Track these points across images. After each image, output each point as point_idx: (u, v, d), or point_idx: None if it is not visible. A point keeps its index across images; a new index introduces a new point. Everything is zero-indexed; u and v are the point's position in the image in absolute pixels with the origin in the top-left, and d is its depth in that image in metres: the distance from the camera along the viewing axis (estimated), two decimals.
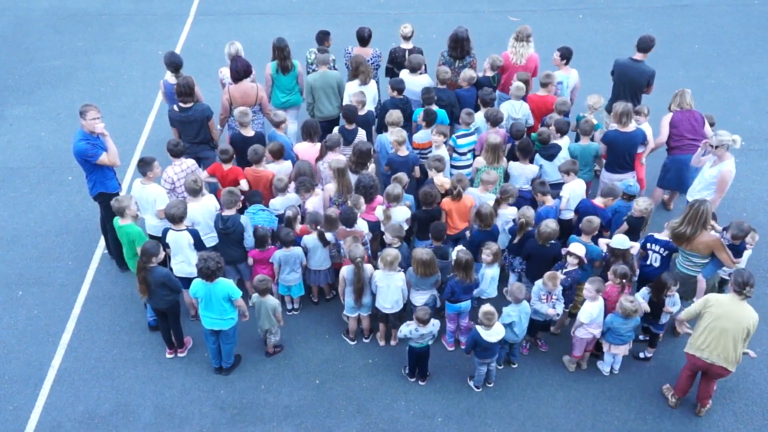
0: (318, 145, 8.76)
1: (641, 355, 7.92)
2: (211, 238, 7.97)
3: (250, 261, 8.08)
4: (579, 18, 14.27)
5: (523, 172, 8.72)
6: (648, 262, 7.77)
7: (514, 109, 9.38)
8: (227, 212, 7.75)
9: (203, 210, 7.86)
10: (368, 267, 7.52)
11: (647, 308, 7.42)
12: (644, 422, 7.31)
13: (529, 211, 7.83)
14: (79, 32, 13.77)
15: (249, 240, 7.87)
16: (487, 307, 7.04)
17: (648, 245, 7.75)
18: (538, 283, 7.47)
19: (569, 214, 8.37)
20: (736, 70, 12.73)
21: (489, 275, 7.75)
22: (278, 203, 8.28)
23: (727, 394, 7.60)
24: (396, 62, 10.14)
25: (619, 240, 7.53)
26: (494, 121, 8.87)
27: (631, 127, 8.66)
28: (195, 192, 7.79)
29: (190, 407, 7.42)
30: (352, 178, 8.27)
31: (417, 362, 7.58)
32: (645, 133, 8.86)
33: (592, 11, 14.47)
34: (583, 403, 7.49)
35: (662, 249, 7.64)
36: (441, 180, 8.32)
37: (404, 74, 9.70)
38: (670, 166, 9.09)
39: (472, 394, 7.59)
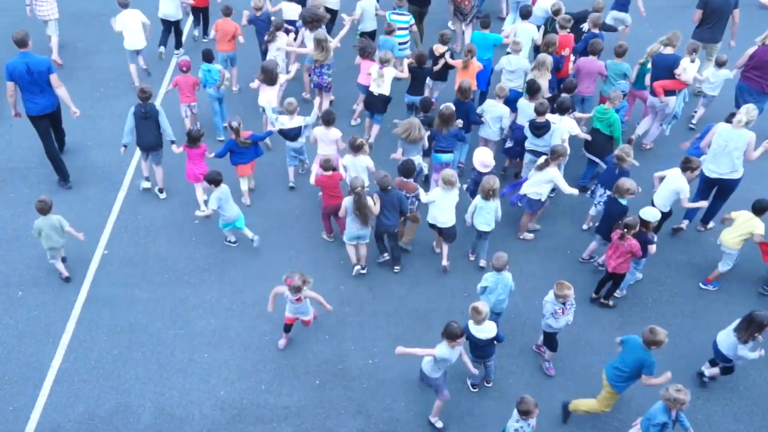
0: None
1: (705, 374, 7.77)
2: None
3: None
4: None
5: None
6: None
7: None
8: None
9: None
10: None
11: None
12: None
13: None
14: (79, 32, 13.75)
15: (167, 130, 9.44)
16: (475, 303, 6.92)
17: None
18: (550, 298, 7.24)
19: None
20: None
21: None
22: (286, 120, 9.67)
23: (727, 395, 7.60)
24: None
25: (650, 213, 7.96)
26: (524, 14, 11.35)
27: (669, 51, 10.25)
28: None
29: (190, 408, 7.42)
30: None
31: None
32: (679, 58, 10.21)
33: None
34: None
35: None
36: (437, 47, 10.67)
37: None
38: (737, 89, 10.91)
39: (472, 394, 7.59)
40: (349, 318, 8.38)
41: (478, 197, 8.51)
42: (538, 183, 8.85)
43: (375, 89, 10.36)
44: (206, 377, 7.72)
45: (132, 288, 8.66)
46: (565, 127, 9.36)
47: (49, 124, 9.73)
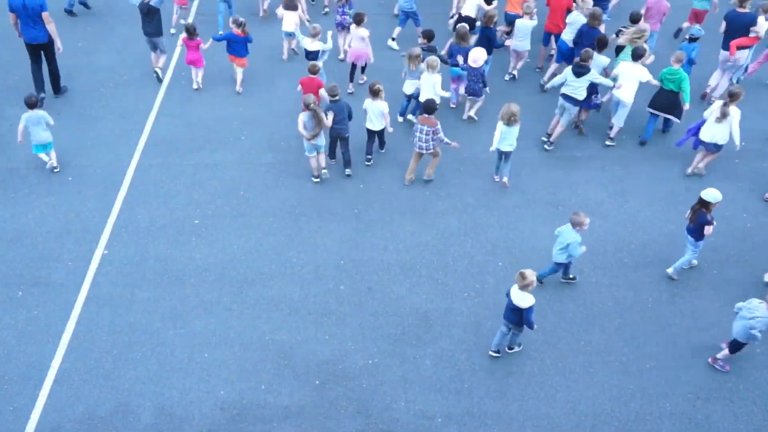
0: None
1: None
2: None
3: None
4: None
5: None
6: None
7: None
8: None
9: None
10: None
11: None
12: (644, 423, 7.32)
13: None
14: (79, 32, 13.76)
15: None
16: (524, 270, 7.22)
17: None
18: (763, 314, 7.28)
19: None
20: None
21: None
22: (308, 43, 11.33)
23: (727, 395, 7.60)
24: None
25: (711, 194, 8.21)
26: None
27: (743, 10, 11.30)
28: None
29: (190, 408, 7.42)
30: None
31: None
32: (755, 16, 11.25)
33: None
34: (583, 404, 7.49)
35: None
36: None
37: None
38: None
39: (472, 394, 7.59)
40: (349, 318, 8.39)
41: (501, 123, 9.68)
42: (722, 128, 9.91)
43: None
44: (206, 377, 7.72)
45: (132, 288, 8.66)
46: (636, 75, 10.54)
47: (38, 52, 11.60)
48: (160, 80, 12.33)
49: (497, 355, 7.92)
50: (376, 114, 10.11)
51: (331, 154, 10.64)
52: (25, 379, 7.65)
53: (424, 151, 9.90)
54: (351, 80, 12.27)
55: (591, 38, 11.23)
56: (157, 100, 11.94)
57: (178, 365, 7.82)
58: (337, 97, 9.78)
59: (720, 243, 9.40)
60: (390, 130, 10.37)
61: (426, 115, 9.67)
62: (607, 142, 11.17)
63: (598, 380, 7.73)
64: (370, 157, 10.62)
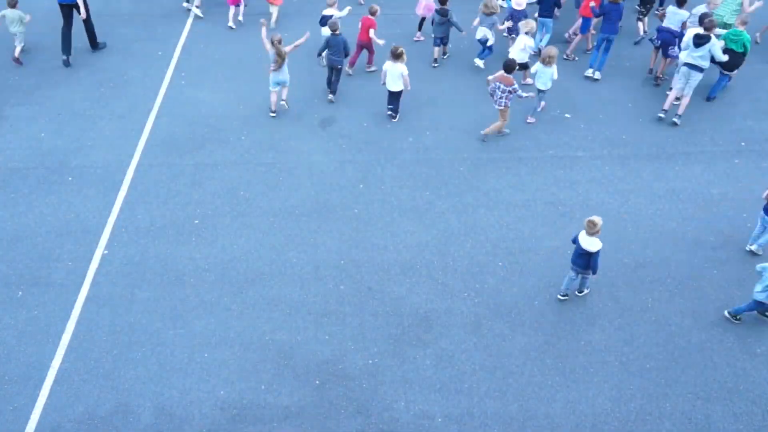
0: None
1: None
2: None
3: None
4: None
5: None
6: None
7: None
8: None
9: None
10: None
11: None
12: (644, 423, 7.32)
13: None
14: (79, 32, 13.75)
15: None
16: (592, 217, 7.88)
17: None
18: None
19: None
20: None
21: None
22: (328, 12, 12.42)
23: (727, 395, 7.60)
24: None
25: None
26: None
27: None
28: None
29: (190, 408, 7.43)
30: None
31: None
32: None
33: None
34: (583, 404, 7.49)
35: None
36: None
37: None
38: None
39: (472, 394, 7.59)
40: (349, 318, 8.39)
41: (539, 63, 11.12)
42: None
43: None
44: (206, 377, 7.72)
45: (132, 288, 8.67)
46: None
47: (71, 13, 12.66)
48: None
49: (565, 298, 8.57)
50: (395, 75, 11.05)
51: (328, 85, 12.03)
52: (25, 379, 7.65)
53: (496, 107, 10.82)
54: (419, 29, 13.95)
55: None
56: (157, 100, 11.94)
57: (178, 365, 7.82)
58: (337, 32, 11.29)
59: (720, 243, 9.40)
60: (409, 88, 11.30)
61: (504, 73, 10.53)
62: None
63: (598, 380, 7.73)
64: (391, 108, 11.62)
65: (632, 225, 9.69)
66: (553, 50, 11.04)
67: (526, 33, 11.64)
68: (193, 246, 9.25)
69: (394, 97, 11.46)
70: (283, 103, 11.56)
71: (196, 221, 9.58)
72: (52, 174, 10.29)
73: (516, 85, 10.55)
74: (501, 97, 10.66)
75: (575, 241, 8.13)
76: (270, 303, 8.51)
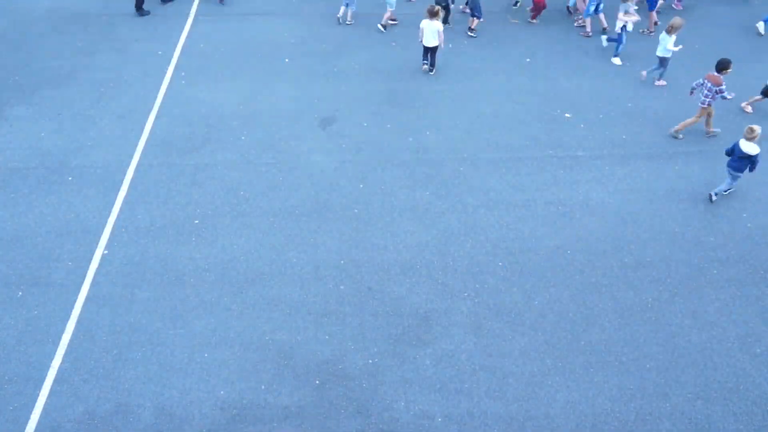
0: None
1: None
2: None
3: None
4: None
5: None
6: None
7: None
8: None
9: None
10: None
11: None
12: (644, 423, 7.31)
13: None
14: (79, 32, 13.76)
15: None
16: (752, 125, 9.24)
17: None
18: None
19: None
20: (736, 69, 12.69)
21: None
22: None
23: (727, 395, 7.60)
24: None
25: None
26: None
27: None
28: None
29: (190, 408, 7.43)
30: None
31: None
32: None
33: None
34: (583, 404, 7.49)
35: None
36: None
37: None
38: None
39: (472, 394, 7.59)
40: (349, 318, 8.39)
41: (663, 33, 11.99)
42: None
43: None
44: (206, 377, 7.72)
45: (132, 288, 8.67)
46: None
47: None
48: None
49: (717, 197, 9.90)
50: (432, 31, 12.09)
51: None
52: (25, 379, 7.65)
53: (700, 104, 11.00)
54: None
55: None
56: (157, 100, 11.94)
57: (178, 365, 7.82)
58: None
59: (720, 243, 9.40)
60: (442, 47, 12.43)
61: (715, 73, 10.83)
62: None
63: (598, 380, 7.73)
64: (427, 62, 12.74)
65: (632, 225, 9.69)
66: (677, 21, 11.74)
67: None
68: (193, 246, 9.25)
69: (431, 53, 12.51)
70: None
71: (196, 221, 9.58)
72: (52, 174, 10.29)
73: (724, 86, 10.72)
74: (707, 96, 10.84)
75: (733, 149, 9.49)
76: (270, 303, 8.51)
